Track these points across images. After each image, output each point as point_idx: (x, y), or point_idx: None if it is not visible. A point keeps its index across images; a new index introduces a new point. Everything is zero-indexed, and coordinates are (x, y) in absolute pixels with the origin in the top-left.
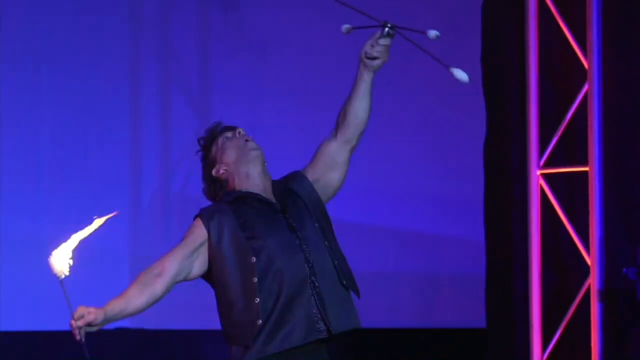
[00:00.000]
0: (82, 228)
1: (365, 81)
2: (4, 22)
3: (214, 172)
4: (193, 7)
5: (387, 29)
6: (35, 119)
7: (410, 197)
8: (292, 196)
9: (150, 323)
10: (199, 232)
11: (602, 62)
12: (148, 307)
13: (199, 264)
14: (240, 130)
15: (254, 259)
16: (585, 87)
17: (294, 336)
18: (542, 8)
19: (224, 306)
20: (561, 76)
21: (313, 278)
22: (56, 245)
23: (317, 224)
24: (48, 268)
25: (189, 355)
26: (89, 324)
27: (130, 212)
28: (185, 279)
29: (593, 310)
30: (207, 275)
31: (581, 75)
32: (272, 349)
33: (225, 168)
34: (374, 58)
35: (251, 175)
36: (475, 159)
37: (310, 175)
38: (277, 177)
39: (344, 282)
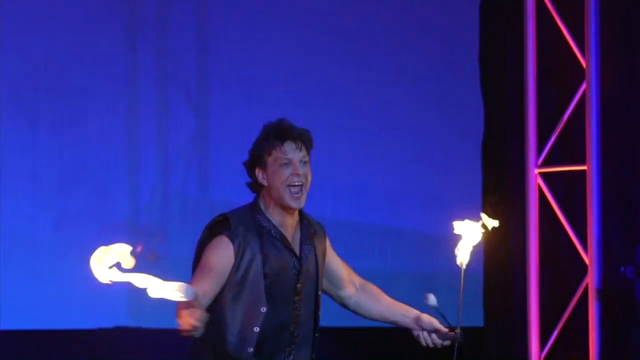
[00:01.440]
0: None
1: (396, 324)
2: (1, 21)
3: (257, 171)
4: (191, 6)
5: (456, 342)
6: (33, 118)
7: (408, 195)
8: (311, 256)
9: (148, 321)
10: (228, 257)
11: (600, 62)
12: None
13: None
14: (299, 168)
15: (264, 309)
16: (584, 86)
17: None
18: (540, 7)
19: (211, 333)
20: (559, 75)
21: (291, 347)
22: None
23: (318, 293)
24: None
25: (186, 353)
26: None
27: (128, 212)
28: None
29: (591, 309)
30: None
31: (579, 74)
32: None
33: (266, 183)
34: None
35: (283, 213)
36: (474, 157)
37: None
38: None
39: (317, 334)
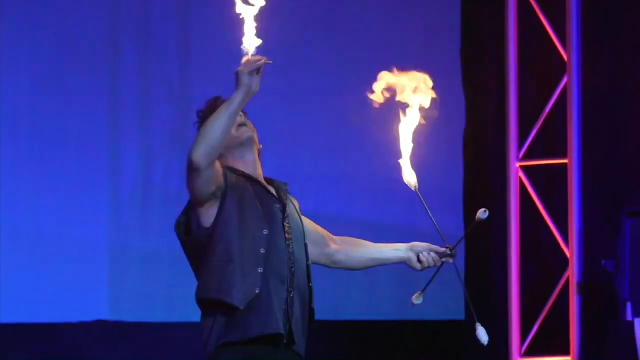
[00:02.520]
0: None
1: (389, 262)
2: None
3: None
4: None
5: (451, 259)
6: (14, 114)
7: (389, 189)
8: (290, 204)
9: (128, 315)
10: (219, 173)
11: (582, 54)
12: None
13: (214, 187)
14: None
15: (265, 231)
16: (565, 79)
17: (272, 325)
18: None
19: (214, 257)
20: (540, 68)
21: (291, 289)
22: None
23: (305, 242)
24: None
25: (166, 347)
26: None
27: (109, 204)
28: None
29: (572, 302)
30: (204, 214)
31: (560, 67)
32: (255, 332)
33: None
34: (421, 263)
35: (246, 159)
36: (454, 151)
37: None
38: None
39: (313, 305)
